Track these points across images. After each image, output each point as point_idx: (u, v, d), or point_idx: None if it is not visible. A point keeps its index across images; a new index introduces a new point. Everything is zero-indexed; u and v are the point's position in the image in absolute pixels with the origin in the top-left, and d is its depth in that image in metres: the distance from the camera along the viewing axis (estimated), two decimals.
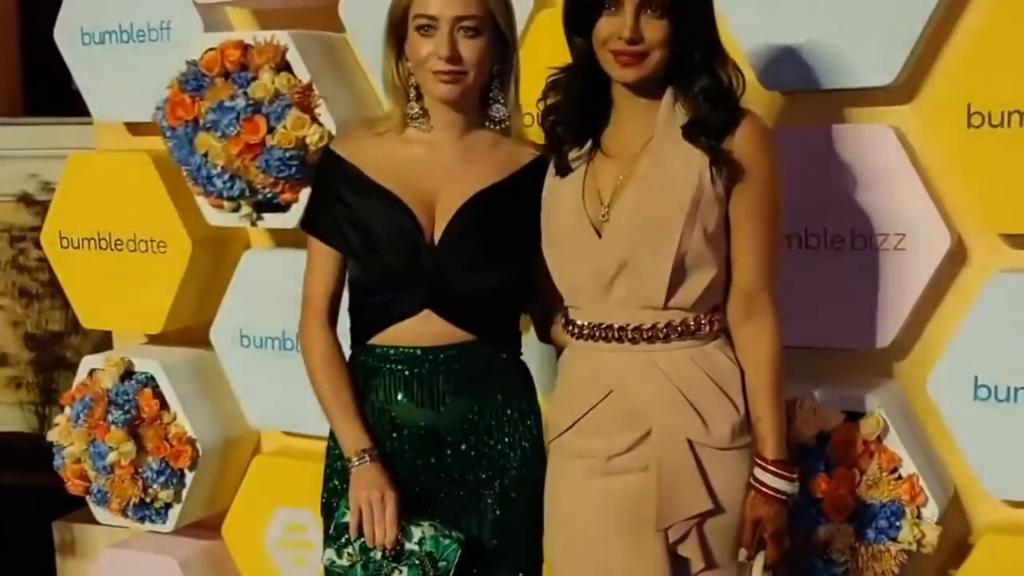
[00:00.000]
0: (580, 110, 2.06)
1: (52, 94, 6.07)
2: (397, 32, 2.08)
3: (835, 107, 2.55)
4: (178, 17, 3.15)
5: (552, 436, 2.13)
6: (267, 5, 3.04)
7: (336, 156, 2.15)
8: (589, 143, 2.05)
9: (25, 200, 5.71)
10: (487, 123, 2.13)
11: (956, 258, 2.48)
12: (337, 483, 2.17)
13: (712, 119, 1.96)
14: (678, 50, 1.95)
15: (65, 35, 3.37)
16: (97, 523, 3.37)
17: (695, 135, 1.96)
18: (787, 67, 2.48)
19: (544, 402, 2.22)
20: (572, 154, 2.06)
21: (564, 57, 2.06)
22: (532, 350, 2.30)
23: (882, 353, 2.52)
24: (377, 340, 2.13)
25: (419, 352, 2.10)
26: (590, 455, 2.05)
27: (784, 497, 2.00)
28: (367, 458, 2.07)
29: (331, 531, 2.10)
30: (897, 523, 2.35)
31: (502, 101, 2.12)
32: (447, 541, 2.04)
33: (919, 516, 2.36)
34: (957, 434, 2.45)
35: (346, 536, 2.06)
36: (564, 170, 2.06)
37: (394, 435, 2.12)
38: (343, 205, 2.11)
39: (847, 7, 2.41)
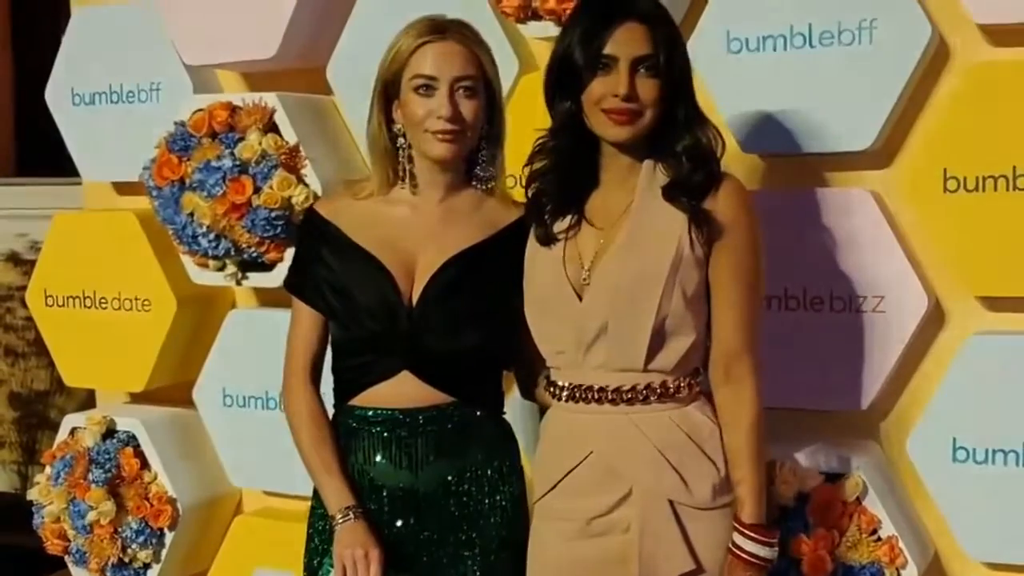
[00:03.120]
0: (565, 178, 2.06)
1: (46, 157, 6.10)
2: (388, 93, 2.10)
3: (814, 171, 2.58)
4: (168, 79, 3.19)
5: (535, 498, 2.12)
6: (256, 68, 3.08)
7: (319, 216, 2.16)
8: (573, 215, 2.05)
9: (13, 259, 5.74)
10: (473, 182, 2.14)
11: (934, 320, 2.50)
12: (318, 543, 2.16)
13: (693, 179, 1.98)
14: (666, 109, 1.97)
15: (56, 96, 3.41)
16: None
17: (676, 195, 1.98)
18: (767, 132, 2.51)
19: (527, 462, 2.22)
20: (556, 226, 2.06)
21: (548, 119, 2.08)
22: (519, 408, 2.31)
23: (861, 415, 2.52)
24: (357, 401, 2.13)
25: (398, 414, 2.09)
26: (571, 517, 2.04)
27: (761, 563, 2.00)
28: (351, 515, 2.06)
29: None
30: None
31: (489, 161, 2.13)
32: None
33: None
34: (936, 496, 2.44)
35: None
36: (548, 241, 2.06)
37: (373, 496, 2.10)
38: (325, 267, 2.12)
39: (826, 73, 2.45)
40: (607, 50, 1.95)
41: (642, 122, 1.97)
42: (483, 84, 2.08)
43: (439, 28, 2.06)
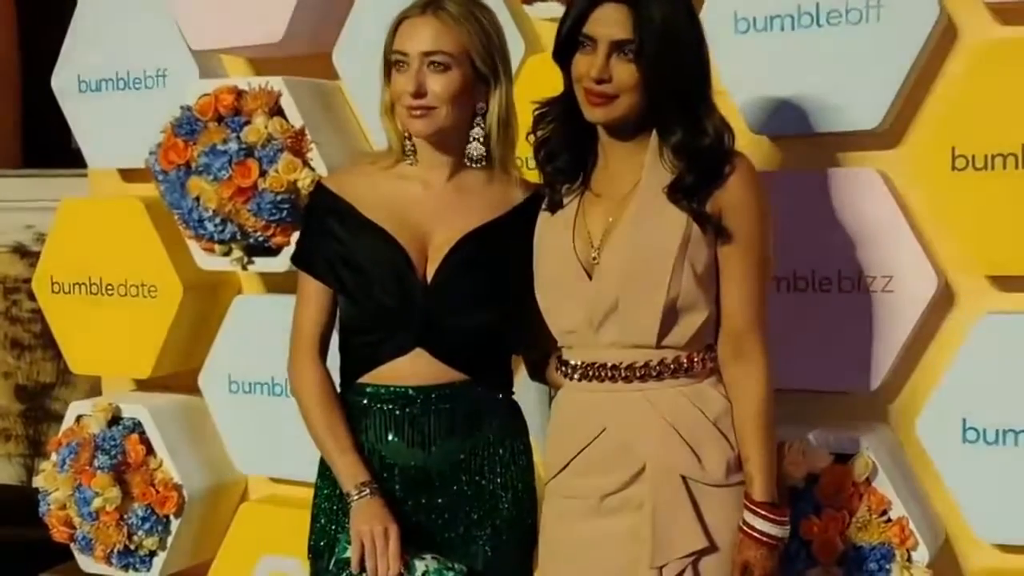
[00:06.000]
0: (567, 146, 2.06)
1: (53, 151, 6.12)
2: (389, 69, 2.09)
3: (822, 151, 2.56)
4: (174, 65, 3.19)
5: (547, 478, 2.11)
6: (262, 53, 3.07)
7: (328, 191, 2.14)
8: (579, 181, 2.06)
9: (19, 251, 5.74)
10: (466, 161, 2.12)
11: (944, 300, 2.49)
12: (324, 522, 2.14)
13: (692, 181, 1.95)
14: (653, 96, 1.94)
15: (62, 82, 3.41)
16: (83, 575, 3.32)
17: (677, 199, 1.96)
18: (774, 112, 2.50)
19: (537, 443, 2.21)
20: (564, 189, 2.06)
21: None
22: (528, 390, 2.29)
23: (871, 396, 2.51)
24: (367, 379, 2.11)
25: (411, 391, 2.08)
26: (584, 495, 2.03)
27: (772, 541, 1.98)
28: (367, 491, 2.03)
29: (331, 567, 2.06)
30: (887, 566, 2.32)
31: (481, 140, 2.10)
32: (451, 574, 2.02)
33: (909, 559, 2.34)
34: (946, 476, 2.43)
35: (347, 572, 2.02)
36: (555, 205, 2.06)
37: (384, 475, 2.08)
38: (335, 241, 2.10)
39: (833, 52, 2.44)
40: (586, 30, 1.94)
41: (618, 105, 1.94)
42: (467, 61, 2.05)
43: (424, 4, 2.05)
